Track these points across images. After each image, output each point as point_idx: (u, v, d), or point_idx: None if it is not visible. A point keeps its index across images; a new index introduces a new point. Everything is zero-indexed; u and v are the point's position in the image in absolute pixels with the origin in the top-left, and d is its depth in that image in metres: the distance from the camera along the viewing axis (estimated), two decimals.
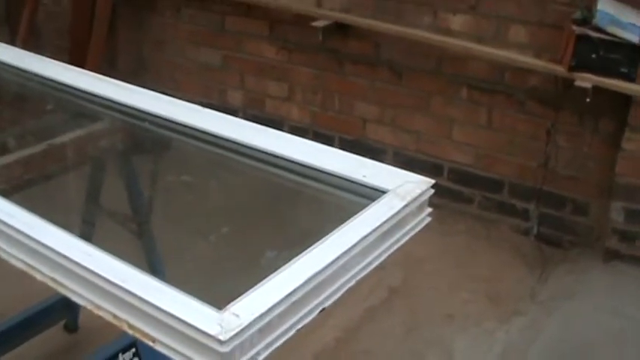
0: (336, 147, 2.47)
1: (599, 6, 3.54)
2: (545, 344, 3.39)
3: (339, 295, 1.64)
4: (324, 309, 1.60)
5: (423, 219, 1.94)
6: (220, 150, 2.20)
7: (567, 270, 3.95)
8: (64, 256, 1.60)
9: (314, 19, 4.43)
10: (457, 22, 4.12)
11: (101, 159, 2.56)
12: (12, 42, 4.89)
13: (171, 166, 2.37)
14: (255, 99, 4.92)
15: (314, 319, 3.39)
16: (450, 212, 4.35)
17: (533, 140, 4.08)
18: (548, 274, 3.94)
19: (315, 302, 1.57)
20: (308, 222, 1.92)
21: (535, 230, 4.20)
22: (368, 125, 4.58)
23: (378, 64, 4.44)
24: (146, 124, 2.32)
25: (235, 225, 1.97)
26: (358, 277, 1.70)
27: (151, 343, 1.49)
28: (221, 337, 1.36)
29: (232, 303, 1.44)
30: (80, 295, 1.60)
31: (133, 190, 2.58)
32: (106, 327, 2.99)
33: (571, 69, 3.66)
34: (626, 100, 3.67)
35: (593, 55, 3.59)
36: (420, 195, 1.89)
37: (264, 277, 1.52)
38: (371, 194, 1.90)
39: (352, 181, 1.98)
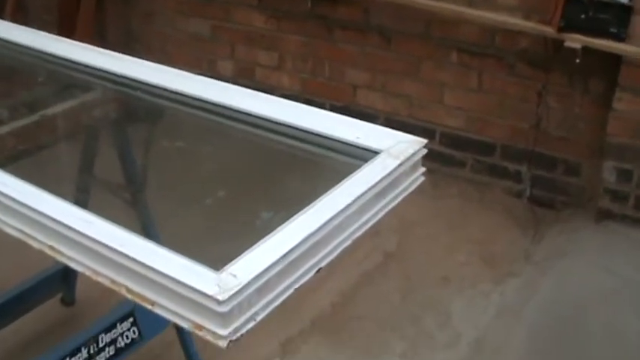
0: None
1: None
2: (539, 304, 3.41)
3: (335, 254, 1.65)
4: (320, 269, 1.61)
5: (417, 178, 1.95)
6: (213, 116, 2.20)
7: (560, 230, 3.97)
8: (61, 223, 1.60)
9: None
10: None
11: (94, 129, 2.55)
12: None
13: (164, 133, 2.37)
14: (245, 68, 4.91)
15: (310, 284, 3.42)
16: (442, 176, 4.36)
17: (524, 102, 4.09)
18: (542, 235, 3.96)
19: (312, 262, 1.58)
20: (302, 184, 1.92)
21: (528, 192, 4.21)
22: (359, 91, 4.58)
23: (367, 29, 4.43)
24: (138, 93, 2.32)
25: (230, 189, 1.97)
26: (354, 237, 1.71)
27: (149, 307, 1.50)
28: (219, 297, 1.37)
29: (230, 264, 1.45)
30: (78, 262, 1.60)
31: (126, 160, 2.58)
32: (103, 299, 3.03)
33: (560, 30, 3.66)
34: (615, 60, 3.67)
35: (582, 16, 3.59)
36: (414, 154, 1.90)
37: (261, 239, 1.52)
38: (365, 155, 1.90)
39: (346, 143, 1.99)
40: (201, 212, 1.90)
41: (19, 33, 2.70)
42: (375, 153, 1.91)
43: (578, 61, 3.65)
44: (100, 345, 2.59)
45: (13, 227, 1.70)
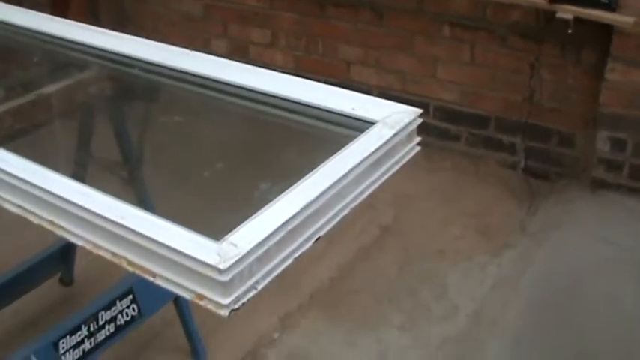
0: None
1: None
2: (536, 275, 3.43)
3: (333, 223, 1.66)
4: (319, 238, 1.62)
5: (413, 148, 1.96)
6: (209, 91, 2.21)
7: (555, 201, 3.99)
8: (60, 197, 1.61)
9: None
10: None
11: (90, 107, 2.56)
12: None
13: (160, 109, 2.38)
14: (238, 47, 4.91)
15: (309, 259, 3.44)
16: (437, 150, 4.37)
17: (516, 74, 4.09)
18: (537, 206, 3.98)
19: (311, 230, 1.60)
20: (300, 155, 1.93)
21: (522, 164, 4.22)
22: (352, 67, 4.59)
23: (359, 5, 4.43)
24: (135, 70, 2.32)
25: (227, 162, 1.98)
26: (352, 206, 1.72)
27: (151, 278, 1.51)
28: (220, 266, 1.38)
29: (230, 233, 1.47)
30: (78, 236, 1.62)
31: (122, 137, 2.59)
32: (101, 279, 3.05)
33: (552, 1, 3.66)
34: (607, 30, 3.67)
35: None
36: (409, 124, 1.91)
37: (260, 209, 1.54)
38: (360, 126, 1.92)
39: (341, 114, 2.00)
40: (199, 186, 1.92)
41: (13, 13, 2.70)
42: (370, 124, 1.92)
43: (570, 31, 3.64)
44: (100, 322, 2.59)
45: (13, 203, 1.71)
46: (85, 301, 3.14)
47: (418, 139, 1.98)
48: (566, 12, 3.63)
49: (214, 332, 3.12)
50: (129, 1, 5.21)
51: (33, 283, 3.08)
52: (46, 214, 1.66)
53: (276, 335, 3.20)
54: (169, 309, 2.87)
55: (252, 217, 1.51)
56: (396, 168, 1.89)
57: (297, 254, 1.56)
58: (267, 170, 1.89)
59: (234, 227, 1.48)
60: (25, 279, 3.01)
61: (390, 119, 1.92)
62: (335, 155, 1.74)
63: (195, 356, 3.04)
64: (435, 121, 4.37)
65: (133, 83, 2.44)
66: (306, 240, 1.59)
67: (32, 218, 1.67)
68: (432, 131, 4.32)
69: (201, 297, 1.43)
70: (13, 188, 1.71)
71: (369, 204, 3.93)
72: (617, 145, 3.81)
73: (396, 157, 1.90)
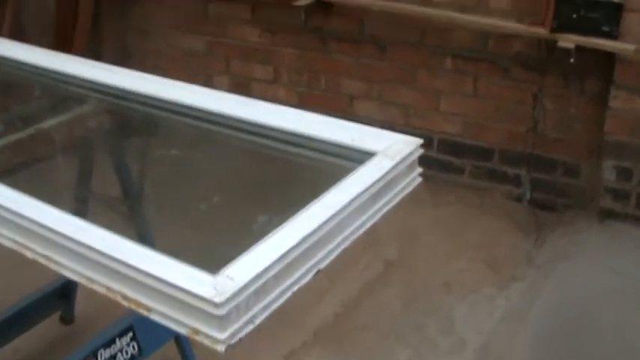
0: None
1: None
2: (545, 307, 3.39)
3: (334, 255, 1.63)
4: (320, 270, 1.58)
5: (415, 179, 1.93)
6: (209, 124, 2.20)
7: (563, 233, 3.95)
8: (55, 231, 1.59)
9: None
10: None
11: (90, 141, 2.54)
12: None
13: (161, 142, 2.36)
14: (241, 83, 4.90)
15: (312, 296, 3.40)
16: (441, 183, 4.34)
17: (520, 105, 4.08)
18: (544, 238, 3.94)
19: (311, 263, 1.56)
20: (299, 187, 1.91)
21: (528, 195, 4.19)
22: (355, 102, 4.58)
23: (361, 40, 4.43)
24: (134, 104, 2.31)
25: (226, 194, 1.96)
26: (353, 238, 1.69)
27: (146, 313, 1.48)
28: (216, 300, 1.35)
29: (226, 267, 1.43)
30: (72, 270, 1.59)
31: (122, 173, 2.57)
32: (101, 317, 3.01)
33: (553, 30, 3.66)
34: (609, 58, 3.67)
35: (574, 15, 3.60)
36: (409, 154, 1.89)
37: (258, 241, 1.51)
38: (361, 157, 1.90)
39: (341, 146, 1.98)
40: (197, 219, 1.89)
41: (16, 49, 2.70)
42: (371, 154, 1.90)
43: (572, 60, 3.64)
44: None
45: (7, 237, 1.68)
46: (85, 339, 3.10)
47: (420, 169, 1.95)
48: (568, 41, 3.63)
49: None
50: (131, 38, 5.22)
51: (33, 321, 3.04)
52: (40, 249, 1.63)
53: None
54: (170, 347, 2.83)
55: (249, 249, 1.48)
56: (398, 199, 1.87)
57: (296, 287, 1.53)
58: (266, 203, 1.87)
59: (232, 260, 1.45)
60: (24, 317, 2.97)
61: (390, 150, 1.90)
62: (334, 186, 1.71)
63: None
64: (438, 154, 4.35)
65: (132, 117, 2.43)
66: (306, 273, 1.56)
67: (27, 252, 1.65)
68: (435, 165, 4.30)
69: (197, 332, 1.40)
70: (7, 222, 1.69)
71: (373, 239, 3.90)
72: (624, 173, 3.79)
73: (397, 188, 1.87)
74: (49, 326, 3.20)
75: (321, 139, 2.02)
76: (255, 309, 1.43)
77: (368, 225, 1.75)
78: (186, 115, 2.24)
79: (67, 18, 5.06)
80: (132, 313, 2.67)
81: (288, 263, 1.49)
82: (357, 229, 1.72)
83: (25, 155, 2.21)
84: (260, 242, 1.50)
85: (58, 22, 5.15)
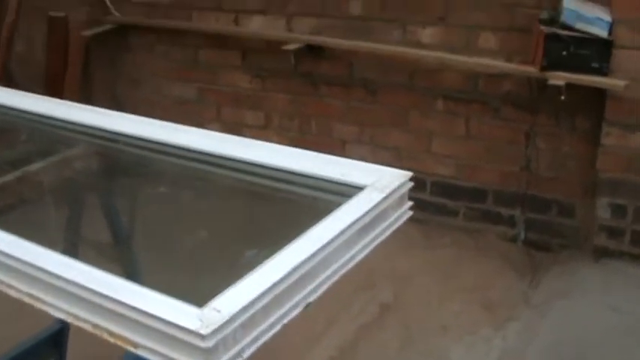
0: None
1: (565, 4, 3.57)
2: (542, 346, 3.36)
3: (323, 289, 1.60)
4: (309, 304, 1.56)
5: (404, 212, 1.91)
6: (197, 163, 2.19)
7: (558, 272, 3.93)
8: (39, 268, 1.56)
9: (286, 44, 4.43)
10: (427, 34, 4.14)
11: (77, 186, 2.52)
12: None
13: (150, 182, 2.34)
14: (232, 130, 4.88)
15: (308, 340, 3.36)
16: (435, 226, 4.34)
17: (512, 145, 4.08)
18: (540, 278, 3.92)
19: (300, 296, 1.54)
20: (287, 222, 1.89)
21: (522, 236, 4.18)
22: (347, 146, 4.58)
23: (352, 83, 4.44)
24: (122, 145, 2.30)
25: (215, 230, 1.94)
26: (342, 271, 1.66)
27: (133, 349, 1.45)
28: (202, 332, 1.32)
29: (213, 299, 1.41)
30: (57, 308, 1.55)
31: (112, 218, 2.54)
32: None
33: (543, 69, 3.67)
34: (600, 95, 3.68)
35: (564, 53, 3.61)
36: (399, 187, 1.88)
37: (244, 275, 1.49)
38: (350, 192, 1.88)
39: (330, 181, 1.97)
40: (184, 256, 1.87)
41: (3, 94, 2.70)
42: (360, 189, 1.88)
43: (562, 98, 3.65)
44: None
45: None
46: None
47: (410, 203, 1.93)
48: (558, 79, 3.64)
49: None
50: (121, 87, 5.24)
51: None
52: (24, 287, 1.60)
53: None
54: None
55: (236, 282, 1.46)
56: (388, 233, 1.84)
57: (285, 320, 1.50)
58: (254, 238, 1.85)
59: (219, 293, 1.43)
60: None
61: (379, 183, 1.89)
62: (324, 219, 1.69)
63: None
64: (432, 197, 4.35)
65: (121, 159, 2.41)
66: (295, 306, 1.53)
67: (10, 292, 1.61)
68: (429, 207, 4.29)
69: None
70: None
71: (368, 282, 3.89)
72: (618, 211, 3.78)
73: (387, 222, 1.84)
74: None
75: (310, 175, 2.00)
76: (244, 342, 1.40)
77: (358, 258, 1.73)
78: (174, 155, 2.23)
79: (57, 67, 5.09)
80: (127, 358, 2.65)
81: (276, 295, 1.47)
82: (347, 262, 1.69)
83: (11, 198, 2.19)
84: (247, 275, 1.48)
85: (47, 71, 5.18)
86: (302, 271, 1.53)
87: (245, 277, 1.48)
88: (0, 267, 1.63)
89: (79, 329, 2.77)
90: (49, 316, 2.84)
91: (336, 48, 4.37)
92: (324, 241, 1.61)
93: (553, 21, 3.64)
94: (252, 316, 1.41)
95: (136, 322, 1.42)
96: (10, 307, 1.63)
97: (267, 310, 1.45)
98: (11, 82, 5.10)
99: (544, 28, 3.63)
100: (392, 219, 1.86)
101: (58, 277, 1.53)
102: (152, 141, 2.28)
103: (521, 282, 3.91)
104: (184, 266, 1.80)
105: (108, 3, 5.08)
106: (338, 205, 1.79)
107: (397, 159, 4.41)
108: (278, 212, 2.02)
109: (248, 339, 1.41)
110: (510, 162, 4.11)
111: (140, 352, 1.44)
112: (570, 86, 3.64)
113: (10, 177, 2.24)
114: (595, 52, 3.57)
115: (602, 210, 3.82)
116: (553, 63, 3.64)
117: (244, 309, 1.39)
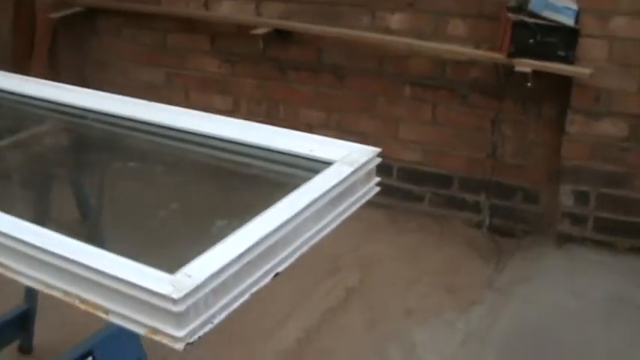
0: None
1: None
2: (505, 328, 3.41)
3: (292, 259, 1.62)
4: (278, 274, 1.58)
5: (372, 188, 1.94)
6: (168, 139, 2.21)
7: (522, 258, 3.99)
8: (10, 236, 1.56)
9: (254, 28, 4.44)
10: (396, 20, 4.16)
11: (46, 162, 2.51)
12: None
13: (119, 157, 2.34)
14: None
15: (274, 321, 3.38)
16: (401, 212, 4.38)
17: (478, 132, 4.12)
18: (504, 263, 3.97)
19: (269, 266, 1.56)
20: (258, 196, 1.90)
21: (487, 222, 4.23)
22: (314, 131, 4.47)
23: (320, 69, 4.46)
24: (90, 121, 2.30)
25: (185, 203, 1.95)
26: (311, 243, 1.68)
27: (104, 316, 1.46)
28: (174, 296, 1.34)
29: (185, 266, 1.43)
30: (28, 276, 1.56)
31: (80, 195, 2.54)
32: (61, 345, 2.97)
33: (510, 55, 3.71)
34: (565, 83, 3.73)
35: (531, 41, 3.65)
36: (367, 162, 1.91)
37: (215, 243, 1.50)
38: (319, 167, 1.90)
39: (300, 156, 1.99)
40: (157, 228, 1.88)
41: None
42: (328, 164, 1.90)
43: (529, 85, 3.69)
44: None
45: None
46: None
47: (377, 179, 1.96)
48: (525, 66, 3.69)
49: None
50: (89, 70, 5.21)
51: None
52: None
53: None
54: None
55: (207, 250, 1.47)
56: (356, 206, 1.87)
57: (254, 289, 1.52)
58: (225, 211, 1.86)
59: (190, 260, 1.45)
60: None
61: (348, 158, 1.92)
62: (293, 191, 1.72)
63: None
64: (398, 182, 4.37)
65: (90, 135, 2.42)
66: (264, 275, 1.55)
67: None
68: (395, 193, 4.32)
69: (156, 331, 1.38)
70: None
71: (334, 266, 3.92)
72: (581, 198, 3.84)
73: (356, 196, 1.88)
74: (8, 356, 3.15)
75: (280, 150, 2.03)
76: (214, 308, 1.42)
77: (326, 231, 1.75)
78: (143, 130, 2.24)
79: (24, 49, 5.06)
80: (92, 337, 2.66)
81: (246, 264, 1.48)
82: (316, 234, 1.71)
83: None
84: (218, 243, 1.50)
85: (14, 53, 5.14)
86: (272, 240, 1.56)
87: (216, 245, 1.49)
88: None
89: (46, 311, 2.78)
90: (15, 297, 2.85)
91: (304, 33, 4.39)
92: (294, 211, 1.63)
93: (521, 9, 3.68)
94: (223, 282, 1.43)
95: (108, 288, 1.43)
96: None
97: (237, 277, 1.47)
98: None
99: (512, 16, 3.67)
100: (360, 193, 1.90)
101: (28, 245, 1.53)
102: (122, 117, 2.29)
103: (486, 267, 3.95)
104: (155, 237, 1.81)
105: None
106: (307, 179, 1.81)
107: (364, 144, 4.42)
108: (248, 186, 2.04)
109: (218, 305, 1.43)
110: (477, 149, 4.15)
111: (111, 318, 1.45)
112: (537, 74, 3.69)
113: None
114: (561, 41, 3.61)
115: (566, 197, 3.87)
116: (520, 50, 3.68)
117: (215, 275, 1.41)
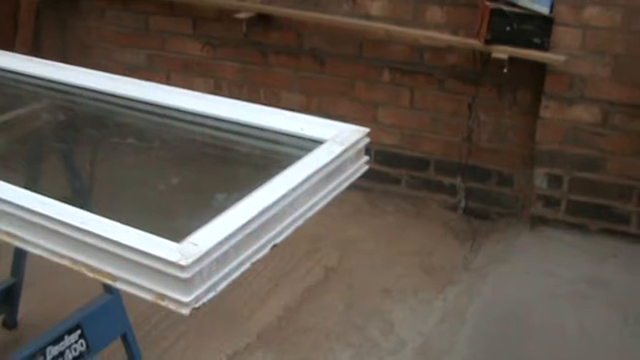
0: None
1: None
2: (481, 307, 3.50)
3: (289, 231, 1.70)
4: (275, 245, 1.66)
5: (362, 166, 2.02)
6: (164, 118, 2.26)
7: (497, 239, 4.08)
8: (18, 206, 1.62)
9: (237, 12, 4.49)
10: (376, 6, 4.23)
11: (38, 139, 2.56)
12: None
13: (116, 134, 2.39)
14: None
15: (256, 300, 3.44)
16: (378, 194, 4.46)
17: (455, 117, 4.21)
18: (479, 245, 4.06)
19: (267, 237, 1.64)
20: (253, 172, 1.98)
21: (463, 204, 4.32)
22: None
23: (300, 53, 4.52)
24: (85, 100, 2.35)
25: (184, 177, 2.02)
26: (306, 217, 1.77)
27: (112, 283, 1.53)
28: (182, 263, 1.41)
29: (190, 235, 1.50)
30: (37, 245, 1.62)
31: (71, 172, 2.58)
32: (46, 322, 3.01)
33: (487, 42, 3.79)
34: (540, 69, 3.82)
35: (508, 28, 3.73)
36: (357, 141, 1.99)
37: (218, 215, 1.58)
38: (310, 145, 1.98)
39: (291, 135, 2.07)
40: (159, 201, 1.94)
41: None
42: (320, 143, 1.98)
43: (505, 71, 3.77)
44: (48, 358, 2.57)
45: None
46: None
47: (366, 157, 2.05)
48: (501, 52, 3.77)
49: None
50: (72, 52, 5.23)
51: None
52: (2, 226, 1.66)
53: None
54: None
55: (212, 220, 1.55)
56: (347, 183, 1.95)
57: (254, 259, 1.60)
58: (223, 185, 1.93)
59: (194, 230, 1.52)
60: None
61: (339, 137, 2.00)
62: (289, 168, 1.80)
63: None
64: (376, 165, 4.44)
65: (83, 112, 2.46)
66: (263, 246, 1.63)
67: None
68: (373, 176, 4.38)
69: (163, 297, 1.46)
70: None
71: (313, 247, 3.98)
72: (554, 181, 3.93)
73: (347, 173, 1.96)
74: None
75: (272, 129, 2.10)
76: (218, 276, 1.50)
77: (320, 206, 1.83)
78: (139, 109, 2.30)
79: (7, 31, 5.06)
80: (80, 311, 2.70)
81: (247, 234, 1.56)
82: (310, 208, 1.80)
83: None
84: (221, 214, 1.57)
85: None
86: (271, 213, 1.64)
87: (219, 216, 1.57)
88: None
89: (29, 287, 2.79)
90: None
91: (286, 18, 4.44)
92: (291, 186, 1.71)
93: None
94: (226, 252, 1.51)
95: (116, 255, 1.50)
96: None
97: (238, 247, 1.55)
98: None
99: (489, 4, 3.75)
100: (351, 171, 1.98)
101: (38, 214, 1.59)
102: (114, 95, 2.35)
103: (462, 248, 4.04)
104: (158, 209, 1.87)
105: None
106: (299, 157, 1.89)
107: None
108: (243, 163, 2.11)
109: (221, 274, 1.51)
110: (453, 133, 4.24)
111: (119, 285, 1.52)
112: (513, 60, 3.77)
113: None
114: (537, 28, 3.70)
115: (540, 180, 3.97)
116: (497, 37, 3.77)
117: (219, 244, 1.49)
